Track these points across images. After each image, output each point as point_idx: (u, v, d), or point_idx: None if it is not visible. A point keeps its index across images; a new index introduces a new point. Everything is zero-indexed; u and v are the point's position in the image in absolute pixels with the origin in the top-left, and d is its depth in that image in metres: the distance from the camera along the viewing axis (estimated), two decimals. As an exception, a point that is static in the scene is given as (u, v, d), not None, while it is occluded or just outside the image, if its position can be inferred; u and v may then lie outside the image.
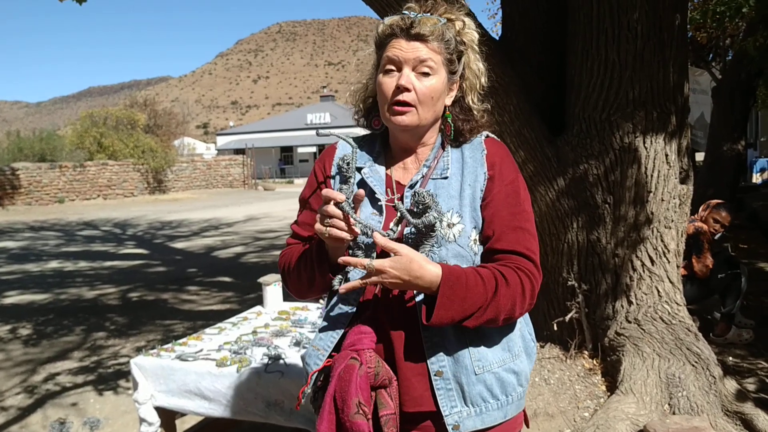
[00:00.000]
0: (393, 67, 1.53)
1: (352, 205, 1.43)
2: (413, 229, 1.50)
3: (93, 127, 30.92)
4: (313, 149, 52.12)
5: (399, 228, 1.52)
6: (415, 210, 1.49)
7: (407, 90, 1.51)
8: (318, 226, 1.44)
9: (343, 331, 1.57)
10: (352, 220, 1.42)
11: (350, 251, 1.55)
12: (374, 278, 1.42)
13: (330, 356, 1.57)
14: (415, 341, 1.52)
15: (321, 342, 1.61)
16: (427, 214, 1.46)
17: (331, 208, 1.42)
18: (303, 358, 1.67)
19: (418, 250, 1.46)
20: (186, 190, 32.40)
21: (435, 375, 1.50)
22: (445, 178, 1.58)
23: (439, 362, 1.51)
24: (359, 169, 1.64)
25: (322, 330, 1.63)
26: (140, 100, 45.24)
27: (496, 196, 1.56)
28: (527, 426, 1.71)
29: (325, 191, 1.43)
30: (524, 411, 1.67)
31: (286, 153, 55.58)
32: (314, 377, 1.59)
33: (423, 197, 1.46)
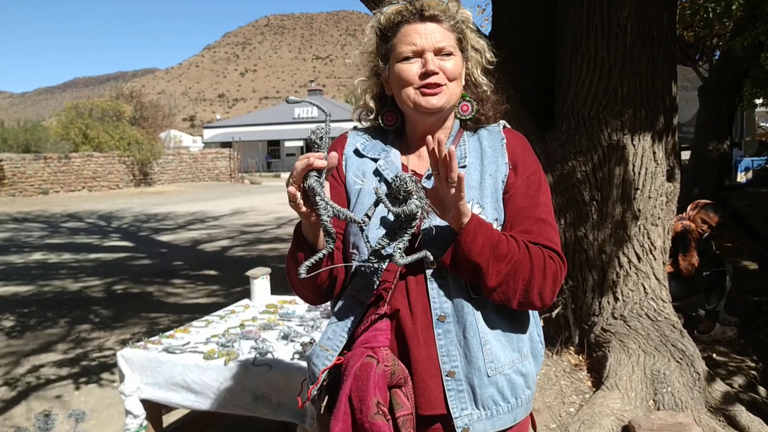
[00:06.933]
0: (412, 54, 1.50)
1: (322, 182, 1.30)
2: (392, 217, 1.37)
3: (78, 119, 30.59)
4: (300, 143, 51.96)
5: (373, 213, 1.40)
6: (397, 196, 1.34)
7: (436, 73, 1.49)
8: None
9: (352, 328, 1.49)
10: (319, 199, 1.28)
11: (361, 236, 1.43)
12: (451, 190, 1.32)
13: (341, 354, 1.49)
14: (431, 340, 1.45)
15: (329, 342, 1.52)
16: (408, 202, 1.31)
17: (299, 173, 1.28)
18: (308, 358, 1.58)
19: (392, 240, 1.36)
20: (172, 182, 32.20)
21: (447, 375, 1.44)
22: (464, 167, 1.54)
23: (451, 362, 1.44)
24: (375, 160, 1.60)
25: (329, 328, 1.54)
26: (126, 91, 44.89)
27: (520, 188, 1.54)
28: (534, 430, 1.65)
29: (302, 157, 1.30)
30: (531, 414, 1.61)
31: (273, 147, 55.32)
32: (323, 375, 1.50)
33: (405, 182, 1.32)
